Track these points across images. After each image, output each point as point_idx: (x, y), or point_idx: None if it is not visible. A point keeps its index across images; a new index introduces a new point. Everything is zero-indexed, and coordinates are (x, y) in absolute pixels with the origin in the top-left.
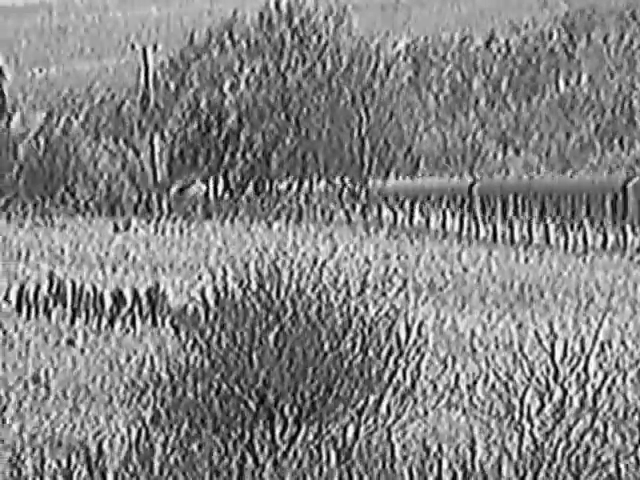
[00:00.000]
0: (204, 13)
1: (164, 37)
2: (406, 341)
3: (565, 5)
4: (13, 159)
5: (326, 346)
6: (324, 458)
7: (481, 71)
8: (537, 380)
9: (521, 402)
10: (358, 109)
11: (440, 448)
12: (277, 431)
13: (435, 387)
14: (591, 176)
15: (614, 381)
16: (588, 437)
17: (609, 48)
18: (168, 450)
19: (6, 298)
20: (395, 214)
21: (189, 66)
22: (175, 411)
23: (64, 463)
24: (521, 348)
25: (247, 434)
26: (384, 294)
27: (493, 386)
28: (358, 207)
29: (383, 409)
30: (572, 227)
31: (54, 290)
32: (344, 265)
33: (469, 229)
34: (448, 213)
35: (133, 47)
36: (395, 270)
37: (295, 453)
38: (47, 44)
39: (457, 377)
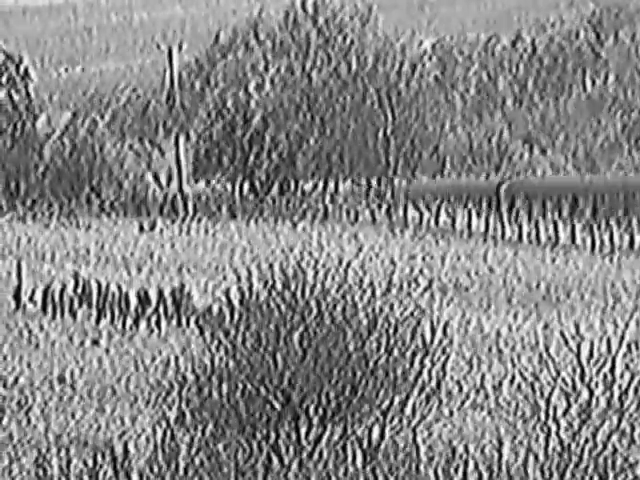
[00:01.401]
0: (229, 13)
1: (189, 37)
2: (431, 341)
3: (592, 4)
4: (39, 159)
5: (351, 346)
6: (350, 458)
7: (507, 71)
8: (563, 381)
9: (547, 403)
10: (384, 109)
11: (466, 449)
12: (302, 431)
13: (461, 388)
14: (618, 176)
15: None
16: (615, 438)
17: (637, 47)
18: (193, 450)
19: (32, 298)
20: (421, 214)
21: (214, 66)
22: (200, 411)
23: (90, 463)
24: (547, 349)
25: (272, 434)
26: (409, 294)
27: (519, 387)
28: (383, 207)
29: (408, 410)
30: (599, 227)
31: (79, 290)
32: (369, 265)
33: (495, 229)
34: (474, 213)
35: (158, 47)
36: (420, 270)
37: (320, 453)
38: (72, 44)
39: (483, 378)
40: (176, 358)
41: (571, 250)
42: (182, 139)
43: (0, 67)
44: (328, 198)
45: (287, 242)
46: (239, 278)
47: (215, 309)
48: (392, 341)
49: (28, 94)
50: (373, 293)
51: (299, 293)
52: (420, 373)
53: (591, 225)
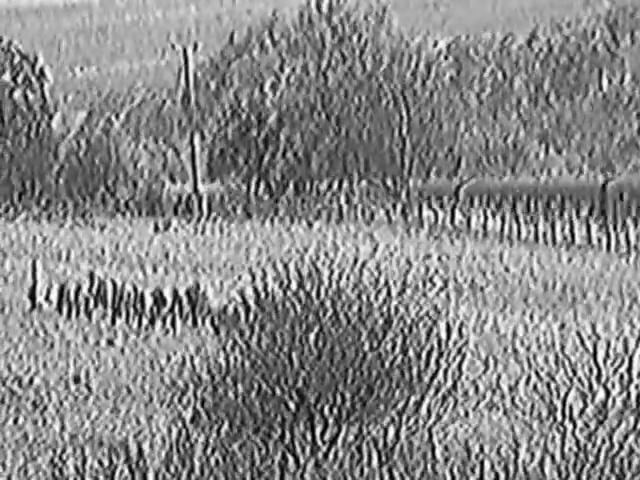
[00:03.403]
0: (244, 13)
1: (204, 37)
2: (447, 341)
3: (608, 3)
4: (54, 159)
5: (366, 346)
6: (365, 459)
7: (523, 70)
8: (579, 381)
9: (563, 403)
10: (399, 108)
11: (482, 449)
12: (318, 432)
13: (477, 388)
14: (634, 176)
15: None
16: (631, 438)
17: None
18: (209, 450)
19: (47, 298)
20: (436, 214)
21: (229, 66)
22: (215, 411)
23: (105, 463)
24: (563, 349)
25: (288, 434)
26: (425, 294)
27: (535, 387)
28: (399, 207)
29: (424, 410)
30: (615, 227)
31: (95, 290)
32: (384, 265)
33: (510, 229)
34: (489, 213)
35: (173, 47)
36: (436, 270)
37: (336, 454)
38: (87, 44)
39: (499, 378)
40: (191, 358)
41: (587, 250)
42: (197, 139)
43: (15, 67)
44: (343, 198)
45: (302, 242)
46: (254, 278)
47: (230, 309)
48: (408, 341)
49: (43, 94)
50: (388, 293)
51: (314, 293)
52: (436, 373)
53: (607, 225)
